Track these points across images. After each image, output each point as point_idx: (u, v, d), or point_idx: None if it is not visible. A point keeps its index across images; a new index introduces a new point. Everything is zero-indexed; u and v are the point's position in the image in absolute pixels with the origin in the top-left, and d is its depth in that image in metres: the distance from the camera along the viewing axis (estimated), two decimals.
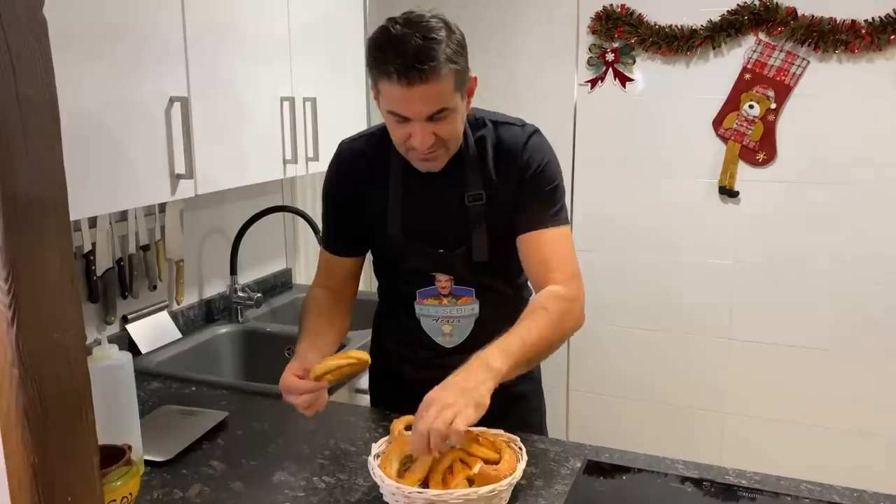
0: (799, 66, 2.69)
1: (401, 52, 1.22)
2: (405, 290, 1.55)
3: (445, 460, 1.21)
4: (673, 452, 1.47)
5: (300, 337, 1.48)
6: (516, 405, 1.58)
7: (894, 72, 2.58)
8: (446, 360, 1.42)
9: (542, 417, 1.71)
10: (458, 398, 1.15)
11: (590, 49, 2.95)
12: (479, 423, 1.19)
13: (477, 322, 1.52)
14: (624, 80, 2.93)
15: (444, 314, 1.52)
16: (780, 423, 2.93)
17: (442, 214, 1.46)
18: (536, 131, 1.47)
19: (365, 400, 1.99)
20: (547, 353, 1.37)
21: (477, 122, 1.47)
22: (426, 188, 1.45)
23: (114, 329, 2.00)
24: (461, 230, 1.46)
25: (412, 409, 1.21)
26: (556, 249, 1.43)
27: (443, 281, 1.50)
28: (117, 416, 1.32)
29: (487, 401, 1.18)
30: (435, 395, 1.17)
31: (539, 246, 1.43)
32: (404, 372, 1.61)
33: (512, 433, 1.33)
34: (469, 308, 1.52)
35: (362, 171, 1.50)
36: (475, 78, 1.39)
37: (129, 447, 1.25)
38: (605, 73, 2.94)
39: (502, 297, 1.54)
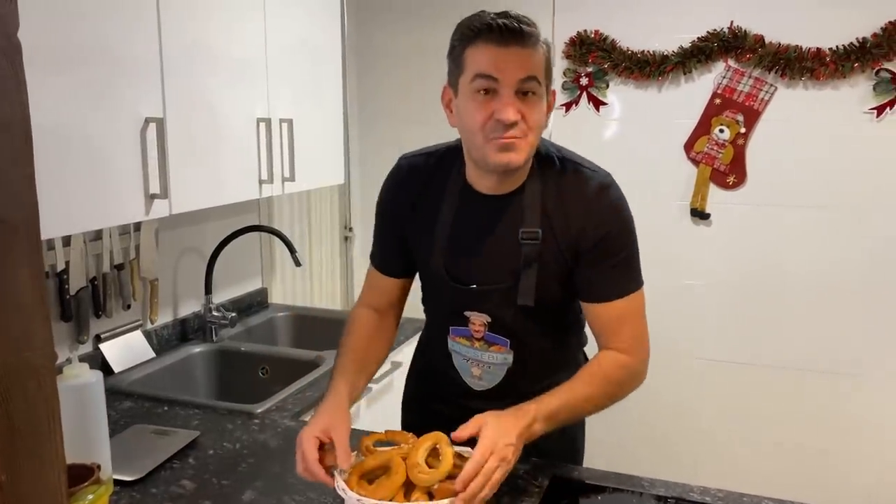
0: (767, 91, 2.76)
1: (501, 14, 1.22)
2: (443, 323, 1.48)
3: (403, 473, 1.21)
4: (647, 472, 1.49)
5: (338, 364, 1.40)
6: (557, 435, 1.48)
7: (859, 99, 2.66)
8: (473, 403, 1.39)
9: (579, 446, 1.64)
10: (513, 453, 1.15)
11: (564, 73, 3.00)
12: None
13: (509, 371, 1.44)
14: (598, 103, 2.98)
15: (475, 357, 1.45)
16: (753, 442, 2.96)
17: (490, 250, 1.36)
18: (612, 183, 1.35)
19: None
20: (592, 413, 1.37)
21: (547, 155, 1.35)
22: (478, 221, 1.36)
23: (87, 348, 1.99)
24: (508, 268, 1.34)
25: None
26: (627, 317, 1.35)
27: (476, 325, 1.41)
28: (87, 435, 1.31)
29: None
30: (501, 437, 1.15)
31: (608, 314, 1.35)
32: (432, 403, 1.56)
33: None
34: (501, 357, 1.43)
35: (418, 187, 1.42)
36: (555, 92, 1.34)
37: (98, 466, 1.24)
38: (580, 96, 3.00)
39: (540, 352, 1.45)
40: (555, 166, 1.34)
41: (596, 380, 1.33)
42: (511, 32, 1.20)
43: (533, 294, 1.33)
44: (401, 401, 1.72)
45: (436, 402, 1.56)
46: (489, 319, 1.40)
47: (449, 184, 1.39)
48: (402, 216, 1.45)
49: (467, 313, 1.41)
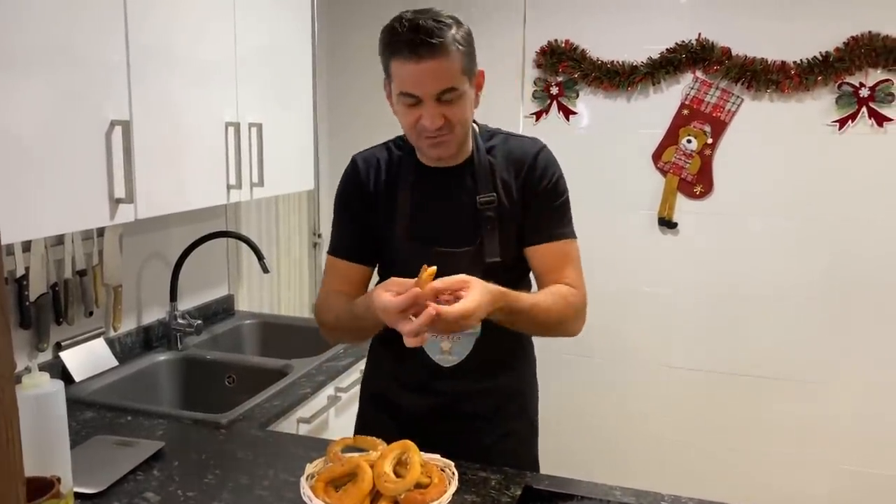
0: (734, 103, 2.80)
1: (412, 28, 1.29)
2: None
3: (370, 481, 1.20)
4: (614, 479, 1.50)
5: (355, 303, 1.42)
6: (507, 442, 1.56)
7: (822, 111, 2.72)
8: (441, 385, 1.50)
9: (535, 453, 1.68)
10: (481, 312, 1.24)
11: (535, 82, 3.02)
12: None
13: (478, 341, 1.48)
14: (568, 113, 3.01)
15: None
16: (716, 449, 2.99)
17: (452, 217, 1.48)
18: (545, 144, 1.53)
19: (305, 429, 1.97)
20: (543, 332, 1.49)
21: (489, 132, 1.52)
22: (437, 192, 1.48)
23: (46, 356, 1.93)
24: (471, 232, 1.46)
25: (401, 438, 1.27)
26: (569, 261, 1.50)
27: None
28: (46, 447, 1.27)
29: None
30: (480, 298, 1.23)
31: (552, 256, 1.49)
32: (397, 396, 1.58)
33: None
34: (471, 326, 1.45)
35: (373, 177, 1.52)
36: (482, 72, 1.43)
37: (58, 479, 1.20)
38: (550, 105, 3.02)
39: None
40: (497, 136, 1.52)
41: (556, 297, 1.43)
42: (424, 47, 1.28)
43: (497, 251, 1.46)
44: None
45: (400, 393, 1.57)
46: None
47: (402, 166, 1.51)
48: (363, 204, 1.52)
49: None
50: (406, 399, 1.56)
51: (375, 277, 1.58)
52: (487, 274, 1.42)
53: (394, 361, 1.59)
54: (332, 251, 1.59)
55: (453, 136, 1.40)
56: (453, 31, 1.32)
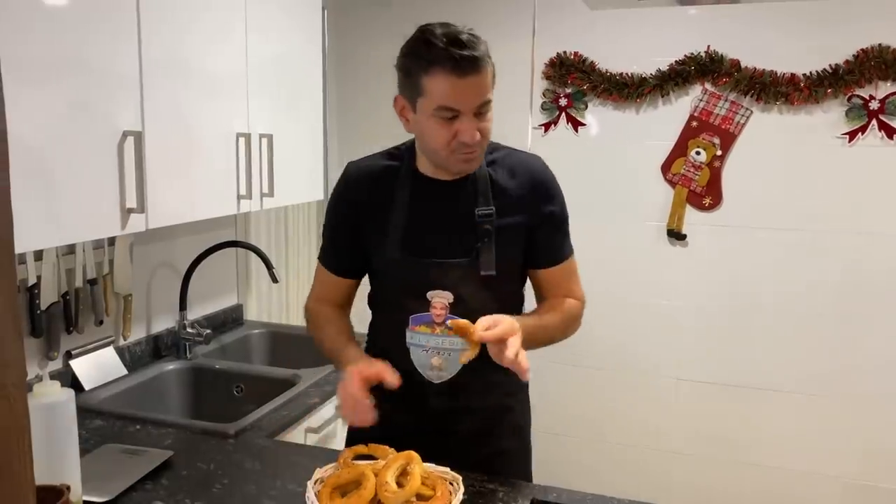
0: (743, 115, 2.80)
1: (453, 42, 1.28)
2: (398, 317, 1.49)
3: (372, 489, 1.21)
4: (618, 492, 1.49)
5: (335, 341, 1.52)
6: (498, 460, 1.55)
7: (832, 124, 2.71)
8: (430, 402, 1.49)
9: (528, 472, 1.66)
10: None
11: (544, 94, 3.03)
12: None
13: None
14: (576, 124, 3.01)
15: (435, 344, 1.47)
16: (727, 461, 2.97)
17: (447, 228, 1.46)
18: (545, 162, 1.54)
19: (313, 439, 1.97)
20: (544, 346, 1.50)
21: (491, 145, 1.50)
22: (433, 203, 1.47)
23: (57, 365, 1.95)
24: (467, 245, 1.45)
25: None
26: (573, 275, 1.56)
27: (438, 308, 1.45)
28: (57, 455, 1.28)
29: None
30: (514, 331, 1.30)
31: (560, 275, 1.53)
32: (386, 412, 1.50)
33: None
34: (461, 341, 1.42)
35: (367, 188, 1.51)
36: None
37: (68, 487, 1.21)
38: (559, 117, 3.02)
39: None
40: (496, 152, 1.50)
41: (563, 315, 1.50)
42: (468, 61, 1.28)
43: (493, 265, 1.44)
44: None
45: (387, 408, 1.50)
46: (451, 299, 1.45)
47: (400, 175, 1.49)
48: (355, 214, 1.52)
49: (430, 294, 1.45)
50: (395, 415, 1.48)
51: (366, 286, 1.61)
52: (481, 287, 1.45)
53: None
54: (320, 259, 1.62)
55: (482, 151, 1.41)
56: (484, 44, 1.32)
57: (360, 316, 1.63)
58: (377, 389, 1.59)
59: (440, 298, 1.45)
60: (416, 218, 1.47)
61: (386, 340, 1.56)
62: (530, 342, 1.36)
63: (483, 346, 1.35)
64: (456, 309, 1.44)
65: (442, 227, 1.46)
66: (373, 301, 1.60)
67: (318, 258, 1.62)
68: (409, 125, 1.42)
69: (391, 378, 1.35)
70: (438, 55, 1.28)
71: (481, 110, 1.34)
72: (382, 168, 1.51)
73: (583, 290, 1.57)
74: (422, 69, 1.31)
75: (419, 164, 1.48)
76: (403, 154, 1.51)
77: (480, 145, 1.38)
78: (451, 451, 1.47)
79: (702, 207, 2.91)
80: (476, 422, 1.53)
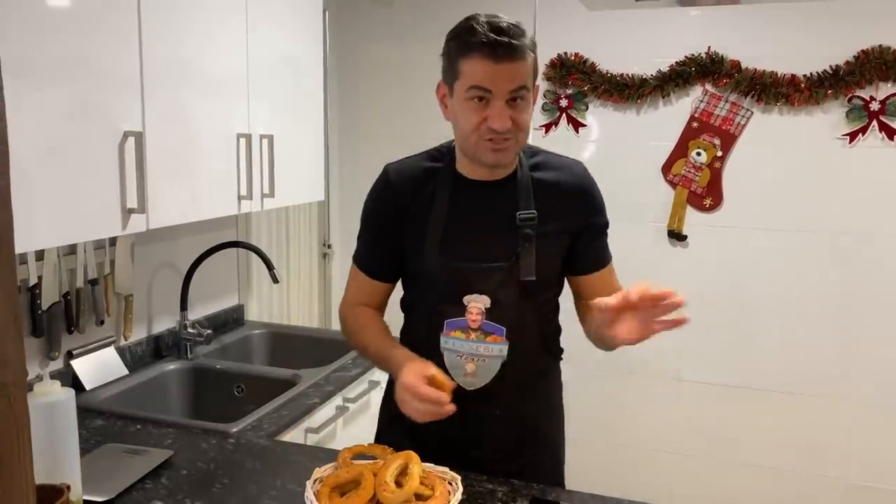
0: (743, 116, 2.80)
1: (494, 30, 1.28)
2: (434, 321, 1.46)
3: (371, 489, 1.21)
4: (623, 492, 1.49)
5: (387, 345, 1.47)
6: (529, 472, 1.50)
7: (832, 125, 2.71)
8: (463, 408, 1.34)
9: (561, 484, 1.62)
10: None
11: (544, 95, 3.03)
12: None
13: (503, 366, 1.44)
14: (577, 125, 3.01)
15: (470, 350, 1.43)
16: (728, 463, 2.97)
17: (488, 231, 1.44)
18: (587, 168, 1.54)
19: (313, 439, 1.97)
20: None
21: (531, 149, 1.51)
22: (475, 204, 1.44)
23: (58, 364, 1.95)
24: (507, 248, 1.42)
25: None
26: (614, 280, 1.56)
27: (474, 313, 1.43)
28: (57, 455, 1.28)
29: None
30: None
31: (602, 281, 1.53)
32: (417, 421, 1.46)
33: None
34: (497, 348, 1.43)
35: (411, 190, 1.47)
36: (538, 86, 1.42)
37: (68, 487, 1.21)
38: (559, 118, 3.03)
39: (532, 346, 1.49)
40: (538, 156, 1.51)
41: None
42: (504, 48, 1.28)
43: (534, 270, 1.42)
44: (377, 421, 1.68)
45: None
46: (488, 304, 1.42)
47: (439, 177, 1.46)
48: (393, 218, 1.48)
49: (466, 298, 1.43)
50: (427, 424, 1.39)
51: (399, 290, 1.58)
52: (519, 292, 1.42)
53: None
54: (356, 262, 1.58)
55: (515, 143, 1.37)
56: (527, 36, 1.32)
57: (389, 321, 1.60)
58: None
59: (477, 303, 1.42)
60: (455, 220, 1.44)
61: (419, 345, 1.48)
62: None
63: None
64: (492, 314, 1.42)
65: (482, 230, 1.44)
66: (406, 305, 1.57)
67: (354, 261, 1.58)
68: (447, 112, 1.41)
69: (446, 380, 1.31)
70: (476, 40, 1.29)
71: (515, 97, 1.32)
72: (424, 170, 1.48)
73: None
74: (461, 53, 1.32)
75: (459, 165, 1.47)
76: (445, 155, 1.49)
77: (515, 138, 1.35)
78: (481, 461, 1.47)
79: (702, 208, 2.91)
80: (509, 431, 1.50)
